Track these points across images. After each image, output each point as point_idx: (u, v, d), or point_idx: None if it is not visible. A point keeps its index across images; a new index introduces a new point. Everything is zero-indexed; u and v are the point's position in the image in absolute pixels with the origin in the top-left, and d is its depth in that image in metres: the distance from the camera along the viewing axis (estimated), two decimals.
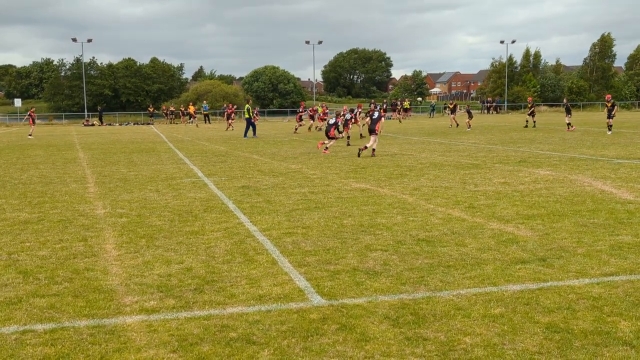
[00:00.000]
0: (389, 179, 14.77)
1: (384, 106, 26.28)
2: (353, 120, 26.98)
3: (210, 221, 9.95)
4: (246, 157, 21.46)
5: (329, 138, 22.82)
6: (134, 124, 63.49)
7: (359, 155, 20.58)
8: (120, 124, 63.80)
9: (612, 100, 32.01)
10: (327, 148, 22.64)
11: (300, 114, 41.03)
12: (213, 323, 5.46)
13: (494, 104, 75.50)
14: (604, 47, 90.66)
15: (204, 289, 6.44)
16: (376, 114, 21.65)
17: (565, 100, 33.53)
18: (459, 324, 5.32)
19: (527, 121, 38.31)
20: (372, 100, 60.79)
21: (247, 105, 35.72)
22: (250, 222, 9.83)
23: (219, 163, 19.59)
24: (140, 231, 9.28)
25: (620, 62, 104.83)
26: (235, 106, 49.02)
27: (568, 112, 33.53)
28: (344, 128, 24.99)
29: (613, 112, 30.55)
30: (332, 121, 23.30)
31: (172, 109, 66.30)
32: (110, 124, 63.70)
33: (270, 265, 7.28)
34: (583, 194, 11.82)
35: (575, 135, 29.64)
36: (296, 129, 38.72)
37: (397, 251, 7.80)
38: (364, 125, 29.23)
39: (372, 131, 21.12)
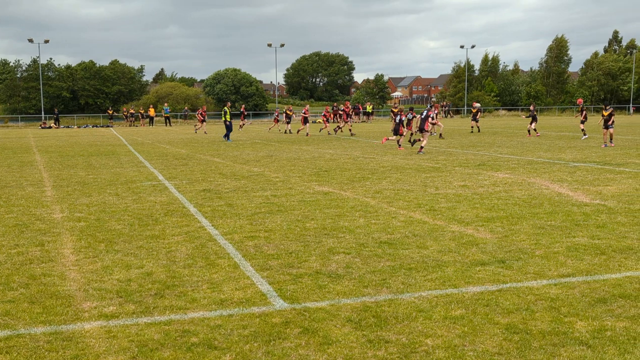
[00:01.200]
0: (351, 182, 14.82)
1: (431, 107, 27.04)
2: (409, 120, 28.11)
3: (171, 225, 9.84)
4: (208, 160, 21.30)
5: (398, 134, 25.04)
6: (93, 127, 62.44)
7: (412, 145, 24.78)
8: (79, 127, 62.70)
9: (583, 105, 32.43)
10: (398, 144, 25.30)
11: (277, 117, 42.68)
12: (174, 328, 5.40)
13: (447, 107, 76.49)
14: (559, 50, 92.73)
15: (165, 293, 6.36)
16: (424, 113, 24.18)
17: (532, 107, 32.99)
18: (421, 326, 5.36)
19: (472, 126, 38.22)
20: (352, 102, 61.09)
21: (225, 108, 34.53)
22: (212, 225, 9.75)
23: (180, 166, 19.40)
24: (99, 235, 9.12)
25: (577, 67, 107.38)
26: (205, 107, 48.90)
27: (534, 119, 32.83)
28: (406, 127, 26.26)
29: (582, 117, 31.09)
30: (400, 119, 25.17)
31: (132, 111, 65.45)
32: (68, 127, 62.56)
33: (232, 269, 7.23)
34: (541, 197, 12.05)
35: (532, 139, 30.21)
36: (289, 130, 40.28)
37: (359, 254, 7.83)
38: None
39: (422, 129, 23.74)
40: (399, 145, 25.35)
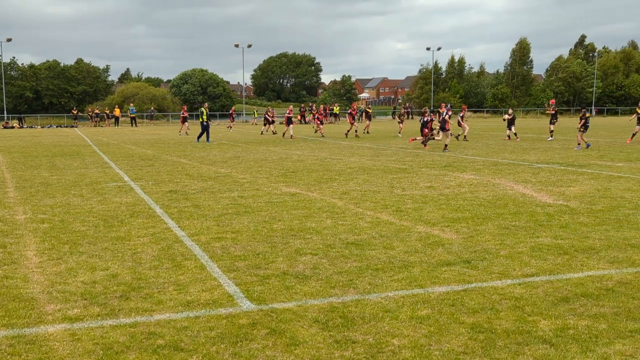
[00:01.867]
0: (318, 183, 14.85)
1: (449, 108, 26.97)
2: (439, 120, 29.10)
3: (136, 226, 9.73)
4: (174, 161, 21.12)
5: (423, 135, 26.37)
6: (57, 127, 61.42)
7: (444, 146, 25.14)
8: (43, 127, 61.60)
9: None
10: (425, 144, 26.39)
11: (232, 118, 42.10)
12: (139, 330, 5.34)
13: (409, 109, 76.96)
14: (522, 53, 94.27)
15: (130, 295, 6.29)
16: (446, 114, 25.98)
17: (511, 111, 32.44)
18: (387, 326, 5.39)
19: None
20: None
21: (201, 109, 33.19)
22: (178, 227, 9.67)
23: (146, 167, 19.20)
24: (63, 237, 8.98)
25: (541, 70, 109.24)
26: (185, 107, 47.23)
27: (512, 123, 31.93)
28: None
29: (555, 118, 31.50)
30: (425, 119, 26.50)
31: (97, 111, 64.55)
32: (31, 127, 61.41)
33: (199, 271, 7.18)
34: (505, 198, 12.22)
35: (497, 141, 30.61)
36: (266, 130, 40.25)
37: (326, 255, 7.85)
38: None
39: (443, 129, 25.50)
40: (425, 144, 26.47)
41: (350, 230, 9.32)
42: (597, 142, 28.82)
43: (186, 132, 41.59)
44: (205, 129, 32.04)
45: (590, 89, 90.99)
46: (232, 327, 5.40)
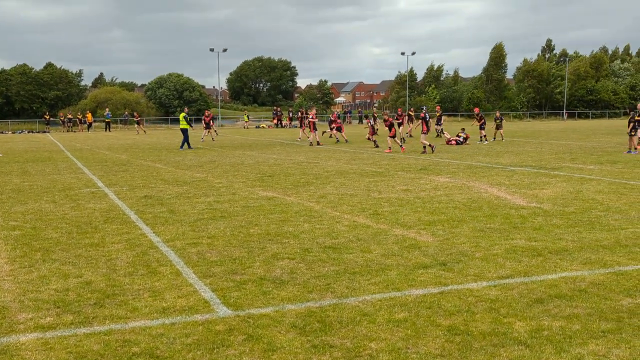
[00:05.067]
0: (295, 187, 14.83)
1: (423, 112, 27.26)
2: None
3: (110, 232, 9.62)
4: (149, 166, 20.95)
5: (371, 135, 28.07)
6: (29, 132, 60.59)
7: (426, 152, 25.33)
8: (14, 132, 60.70)
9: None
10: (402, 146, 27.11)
11: (207, 122, 40.32)
12: (114, 338, 5.27)
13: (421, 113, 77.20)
14: (497, 58, 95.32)
15: (105, 303, 6.22)
16: (427, 117, 26.47)
17: (498, 114, 34.07)
18: (365, 330, 5.40)
19: (437, 131, 38.86)
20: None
21: (182, 114, 31.09)
22: (153, 232, 9.59)
23: (120, 172, 19.01)
24: (36, 244, 8.84)
25: (511, 74, 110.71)
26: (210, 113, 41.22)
27: (499, 126, 33.84)
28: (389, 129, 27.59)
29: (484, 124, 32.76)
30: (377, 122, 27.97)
31: (69, 116, 63.79)
32: (2, 132, 60.49)
33: (175, 277, 7.12)
34: (480, 200, 12.32)
35: (472, 144, 30.88)
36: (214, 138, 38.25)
37: (304, 259, 7.83)
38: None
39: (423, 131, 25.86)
40: (432, 148, 26.21)
41: (327, 234, 9.32)
42: (569, 145, 29.21)
43: (212, 138, 38.48)
44: (185, 134, 30.36)
45: (560, 93, 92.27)
46: (209, 334, 5.36)
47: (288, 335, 5.31)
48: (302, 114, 57.61)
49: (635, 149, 24.15)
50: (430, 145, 26.04)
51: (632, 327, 5.38)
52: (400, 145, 27.55)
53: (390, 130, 26.97)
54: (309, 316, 5.75)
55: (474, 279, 6.88)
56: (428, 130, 26.58)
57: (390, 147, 26.79)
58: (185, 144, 30.05)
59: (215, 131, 41.80)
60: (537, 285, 6.63)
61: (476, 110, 35.38)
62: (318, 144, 32.42)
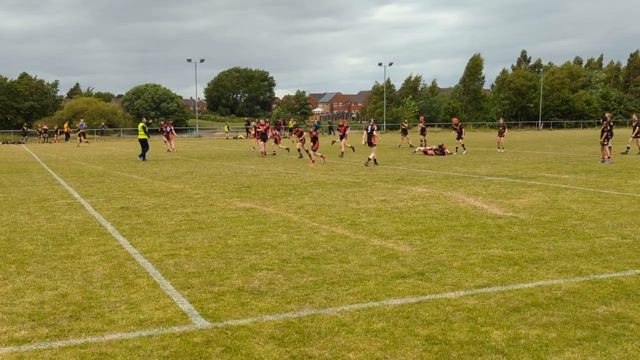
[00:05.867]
0: (273, 197, 14.81)
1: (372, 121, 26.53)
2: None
3: (87, 244, 9.52)
4: (125, 177, 20.78)
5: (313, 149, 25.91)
6: (3, 143, 59.81)
7: (366, 165, 24.26)
8: None
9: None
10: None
11: (166, 132, 40.03)
12: (90, 351, 5.21)
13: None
14: (474, 68, 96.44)
15: (81, 315, 6.14)
16: (369, 128, 25.41)
17: (501, 121, 34.76)
18: (343, 340, 5.40)
19: (421, 140, 39.00)
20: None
21: (141, 124, 31.12)
22: (130, 244, 9.50)
23: (96, 184, 18.83)
24: (10, 257, 8.71)
25: (489, 85, 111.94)
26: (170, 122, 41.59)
27: (501, 134, 34.20)
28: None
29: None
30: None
31: (45, 127, 63.11)
32: None
33: (152, 289, 7.06)
34: (457, 210, 12.41)
35: (448, 154, 31.09)
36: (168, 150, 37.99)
37: (282, 270, 7.82)
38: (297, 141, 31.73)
39: (370, 144, 24.94)
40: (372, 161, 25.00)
41: (305, 244, 9.31)
42: (544, 155, 29.57)
43: (169, 149, 38.88)
44: (144, 145, 30.10)
45: (533, 103, 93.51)
46: (187, 346, 5.32)
47: (266, 346, 5.29)
48: (279, 125, 57.57)
49: (609, 157, 24.55)
50: (350, 147, 26.99)
51: (608, 334, 5.44)
52: (321, 156, 26.57)
53: (314, 143, 25.86)
54: (287, 327, 5.74)
55: (451, 289, 6.92)
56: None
57: (313, 161, 25.52)
58: (143, 155, 29.75)
59: (166, 141, 40.41)
60: (514, 294, 6.69)
61: (454, 120, 35.64)
62: (274, 153, 32.78)
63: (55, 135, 60.78)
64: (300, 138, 29.28)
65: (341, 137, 31.74)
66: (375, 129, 25.93)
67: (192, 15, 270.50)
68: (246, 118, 67.14)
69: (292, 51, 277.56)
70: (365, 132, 25.96)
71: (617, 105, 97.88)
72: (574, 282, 7.14)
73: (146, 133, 30.70)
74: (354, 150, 32.57)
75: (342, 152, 31.19)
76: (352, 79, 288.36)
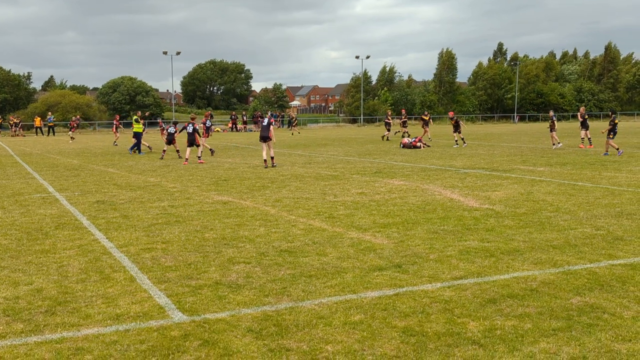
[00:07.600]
0: (251, 191, 14.77)
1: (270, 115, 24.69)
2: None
3: (62, 239, 9.42)
4: (101, 171, 20.57)
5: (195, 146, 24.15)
6: None
7: (265, 167, 20.84)
8: None
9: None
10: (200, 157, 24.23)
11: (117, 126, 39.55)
12: (66, 346, 5.17)
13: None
14: (447, 61, 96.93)
15: (56, 310, 6.08)
16: (266, 121, 21.13)
17: (551, 113, 30.34)
18: (321, 333, 5.41)
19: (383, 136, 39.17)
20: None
21: (135, 117, 30.31)
22: (106, 238, 9.42)
23: (71, 177, 18.62)
24: None
25: (466, 78, 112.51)
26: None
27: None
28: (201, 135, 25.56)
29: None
30: (190, 129, 24.16)
31: (16, 120, 62.10)
32: None
33: (128, 283, 7.02)
34: (434, 203, 12.49)
35: (424, 147, 31.27)
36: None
37: (260, 263, 7.81)
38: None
39: (264, 139, 20.74)
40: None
41: (283, 237, 9.31)
42: (520, 148, 29.84)
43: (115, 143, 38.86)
44: (137, 138, 29.69)
45: (510, 95, 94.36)
46: (164, 340, 5.29)
47: (244, 339, 5.29)
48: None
49: (590, 145, 24.77)
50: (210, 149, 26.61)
51: (582, 325, 5.53)
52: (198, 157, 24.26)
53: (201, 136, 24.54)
54: (265, 320, 5.74)
55: (428, 281, 6.97)
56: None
57: (187, 159, 23.23)
58: (136, 147, 29.52)
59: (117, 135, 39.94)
60: (490, 285, 6.76)
61: (450, 114, 34.89)
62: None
63: (12, 128, 59.06)
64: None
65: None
66: (273, 123, 21.40)
67: (171, 8, 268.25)
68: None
69: (271, 44, 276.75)
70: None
71: (590, 97, 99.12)
72: (548, 273, 7.23)
73: (141, 125, 30.07)
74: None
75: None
76: (331, 72, 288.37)
